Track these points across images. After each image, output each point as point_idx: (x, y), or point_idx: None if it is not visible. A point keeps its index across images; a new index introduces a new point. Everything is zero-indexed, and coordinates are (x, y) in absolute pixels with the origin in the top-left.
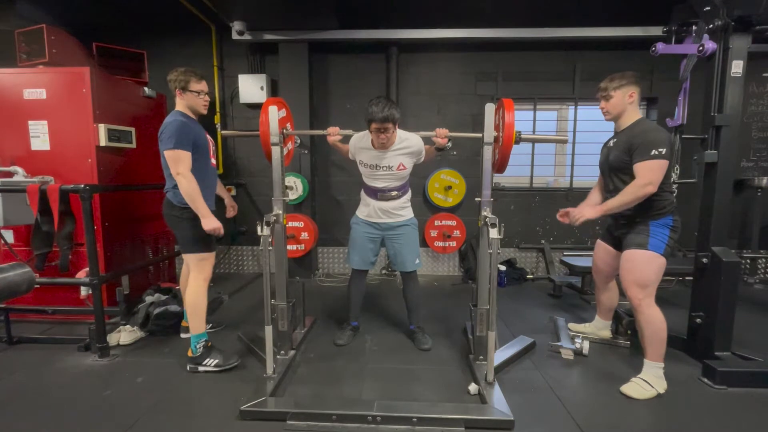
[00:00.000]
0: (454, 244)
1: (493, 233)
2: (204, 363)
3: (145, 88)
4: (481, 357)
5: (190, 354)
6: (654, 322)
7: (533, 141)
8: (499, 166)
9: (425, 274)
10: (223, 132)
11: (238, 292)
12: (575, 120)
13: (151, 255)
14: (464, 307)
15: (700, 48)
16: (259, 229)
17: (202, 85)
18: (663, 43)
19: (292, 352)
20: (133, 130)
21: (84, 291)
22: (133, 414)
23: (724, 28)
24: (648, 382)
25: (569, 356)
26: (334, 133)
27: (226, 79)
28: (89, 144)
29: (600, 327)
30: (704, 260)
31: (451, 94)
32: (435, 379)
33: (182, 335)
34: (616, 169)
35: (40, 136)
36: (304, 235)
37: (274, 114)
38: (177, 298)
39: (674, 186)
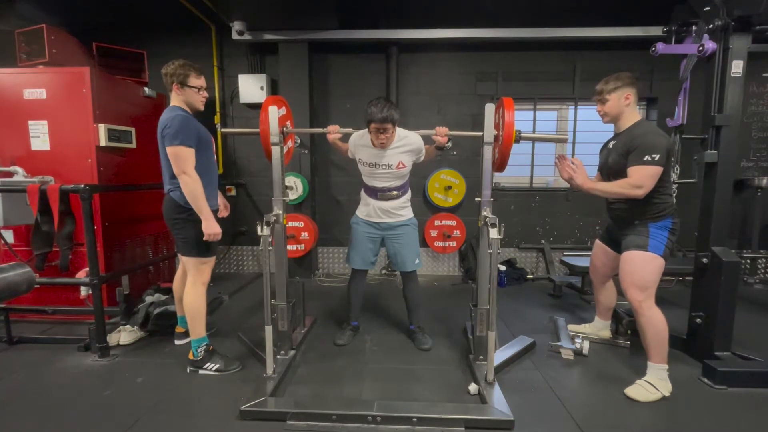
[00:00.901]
0: (454, 244)
1: (493, 233)
2: (205, 367)
3: (145, 88)
4: (481, 357)
5: (191, 357)
6: (655, 323)
7: (533, 140)
8: (499, 165)
9: (425, 274)
10: (222, 130)
11: (238, 292)
12: (575, 120)
13: (151, 255)
14: (464, 307)
15: (700, 48)
16: (259, 229)
17: (201, 81)
18: (663, 43)
19: (292, 352)
20: (133, 130)
21: (84, 291)
22: (133, 414)
23: (724, 28)
24: (653, 384)
25: (569, 356)
26: (334, 132)
27: (226, 79)
28: (89, 144)
29: (600, 327)
30: (704, 260)
31: (451, 94)
32: (435, 379)
33: (176, 342)
34: (614, 172)
35: (40, 136)
36: (304, 235)
37: (274, 113)
38: None
39: (674, 186)
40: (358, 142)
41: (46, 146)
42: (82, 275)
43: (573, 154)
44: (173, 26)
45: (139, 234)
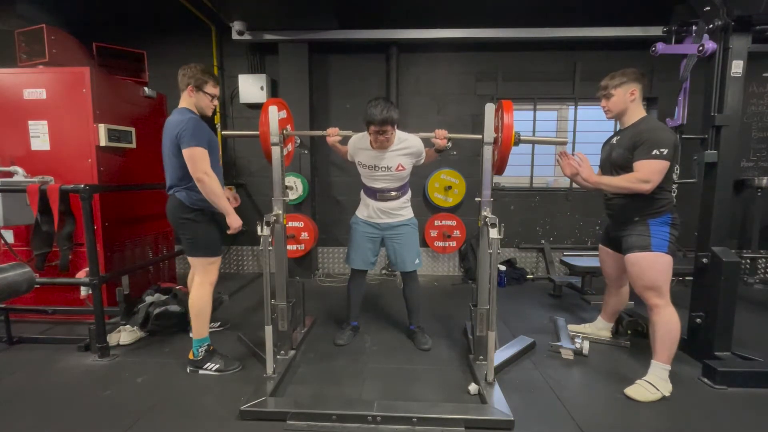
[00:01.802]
0: (454, 244)
1: (493, 233)
2: (205, 367)
3: (145, 88)
4: (481, 357)
5: (191, 357)
6: (669, 322)
7: (532, 142)
8: (498, 167)
9: (425, 274)
10: (223, 132)
11: (238, 292)
12: (575, 120)
13: (151, 255)
14: (464, 307)
15: (700, 48)
16: (259, 229)
17: (217, 90)
18: (663, 43)
19: (292, 352)
20: (133, 130)
21: (84, 291)
22: (133, 414)
23: (724, 28)
24: (653, 384)
25: (569, 356)
26: (333, 134)
27: (226, 79)
28: (89, 144)
29: (600, 327)
30: (704, 260)
31: (451, 94)
32: (435, 379)
33: (191, 334)
34: (618, 167)
35: (40, 136)
36: (304, 235)
37: (274, 113)
38: (177, 297)
39: (674, 186)
40: (358, 145)
41: (46, 146)
42: (82, 275)
43: (573, 154)
44: (173, 26)
45: (139, 234)
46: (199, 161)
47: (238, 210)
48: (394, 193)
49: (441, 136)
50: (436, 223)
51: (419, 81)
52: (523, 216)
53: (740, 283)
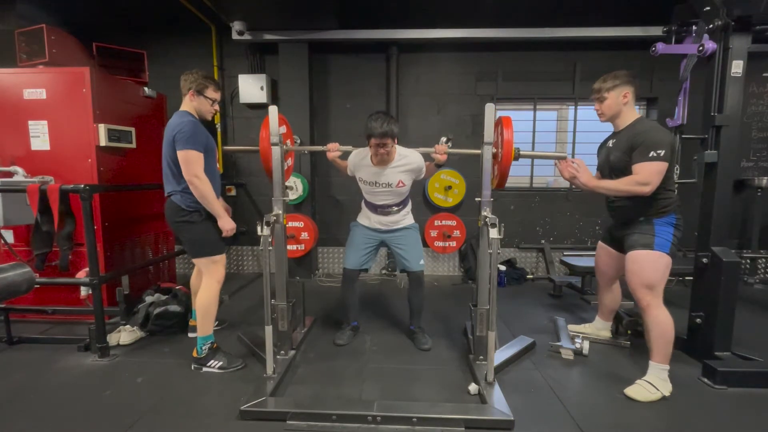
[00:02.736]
0: (454, 244)
1: (493, 233)
2: (208, 364)
3: (145, 88)
4: (481, 357)
5: (195, 354)
6: (661, 323)
7: (532, 157)
8: (499, 182)
9: (425, 274)
10: (225, 148)
11: (238, 292)
12: (575, 120)
13: (151, 255)
14: (464, 307)
15: (700, 48)
16: (259, 229)
17: (218, 95)
18: (663, 43)
19: (292, 352)
20: (133, 130)
21: (84, 291)
22: (133, 414)
23: (724, 28)
24: (653, 384)
25: (569, 356)
26: (333, 149)
27: (226, 79)
28: (89, 144)
29: (600, 327)
30: (704, 260)
31: (451, 94)
32: (435, 379)
33: (189, 334)
34: (617, 170)
35: (40, 136)
36: (304, 235)
37: (275, 113)
38: (177, 297)
39: (675, 186)
40: (358, 162)
41: (46, 146)
42: (82, 275)
43: (573, 155)
44: (173, 26)
45: (139, 234)
46: (192, 164)
47: (236, 211)
48: (395, 208)
49: (441, 152)
50: (436, 223)
51: (419, 81)
52: (523, 216)
53: (740, 283)
